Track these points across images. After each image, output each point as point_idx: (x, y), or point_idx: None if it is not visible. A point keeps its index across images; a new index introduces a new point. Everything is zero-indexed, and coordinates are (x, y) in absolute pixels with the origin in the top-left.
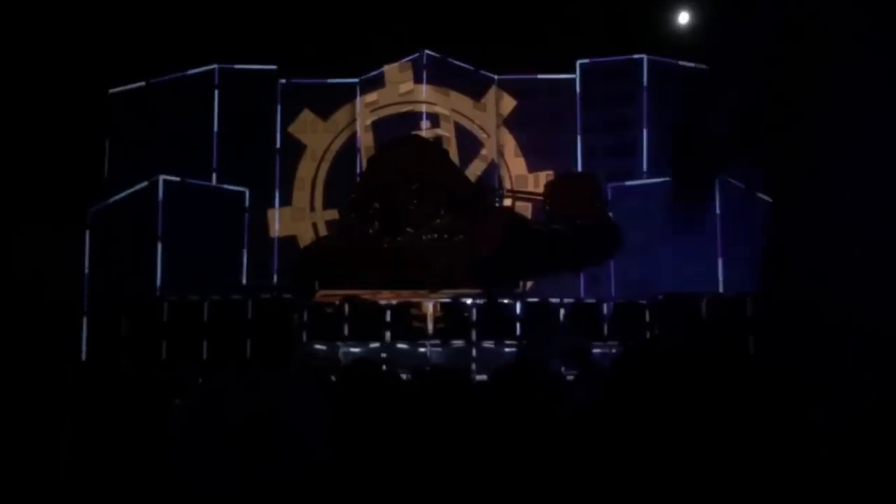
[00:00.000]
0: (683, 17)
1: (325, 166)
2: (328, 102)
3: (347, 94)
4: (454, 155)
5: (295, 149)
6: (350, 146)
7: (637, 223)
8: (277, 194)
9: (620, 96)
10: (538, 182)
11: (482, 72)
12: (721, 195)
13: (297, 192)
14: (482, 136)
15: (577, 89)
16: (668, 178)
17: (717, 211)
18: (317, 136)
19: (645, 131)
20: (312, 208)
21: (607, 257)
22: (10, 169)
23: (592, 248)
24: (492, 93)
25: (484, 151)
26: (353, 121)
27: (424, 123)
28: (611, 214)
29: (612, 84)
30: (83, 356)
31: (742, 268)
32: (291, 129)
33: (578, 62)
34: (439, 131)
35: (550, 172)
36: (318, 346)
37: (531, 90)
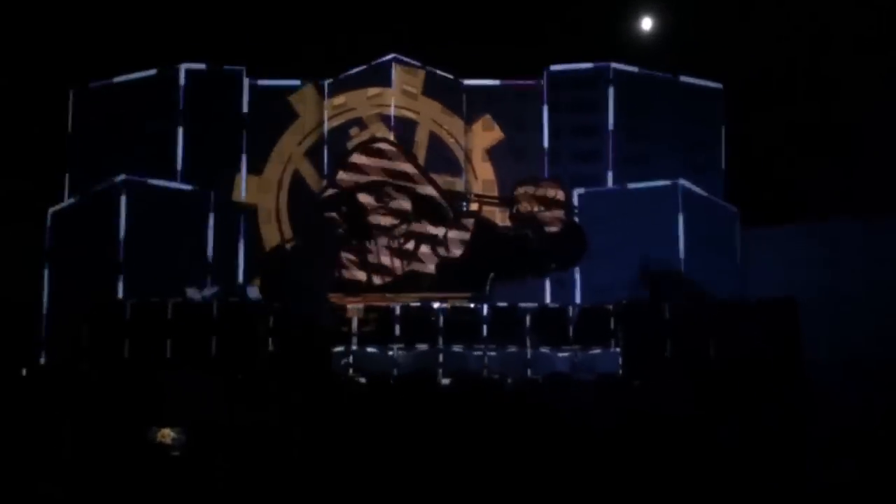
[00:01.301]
0: (647, 24)
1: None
2: (296, 103)
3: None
4: (422, 159)
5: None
6: (318, 148)
7: (602, 229)
8: (244, 196)
9: (587, 103)
10: (505, 187)
11: (451, 76)
12: (684, 202)
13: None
14: (450, 140)
15: (545, 95)
16: (632, 185)
17: (681, 217)
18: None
19: (611, 138)
20: (277, 209)
21: (573, 262)
22: None
23: (558, 252)
24: (460, 97)
25: (452, 155)
26: (321, 123)
27: (392, 127)
28: (576, 220)
29: (578, 91)
30: (42, 360)
31: (705, 274)
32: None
33: (546, 69)
34: (407, 138)
35: (517, 177)
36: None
37: (499, 95)
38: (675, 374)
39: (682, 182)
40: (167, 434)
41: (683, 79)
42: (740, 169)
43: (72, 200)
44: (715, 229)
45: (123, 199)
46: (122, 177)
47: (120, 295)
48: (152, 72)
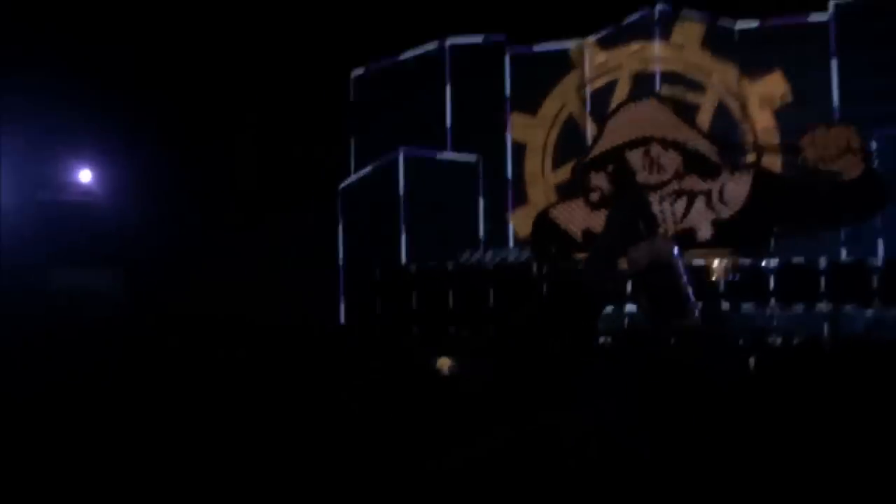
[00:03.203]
0: None
1: (553, 133)
2: (556, 67)
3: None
4: (692, 111)
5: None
6: (580, 110)
7: None
8: (510, 163)
9: (883, 34)
10: (787, 135)
11: (721, 20)
12: None
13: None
14: (722, 91)
15: (832, 31)
16: None
17: None
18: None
19: None
20: (543, 174)
21: (871, 213)
22: (268, 154)
23: (854, 203)
24: (732, 41)
25: (726, 105)
26: (583, 84)
27: (658, 81)
28: (874, 166)
29: (872, 21)
30: (341, 320)
31: None
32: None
33: (832, 0)
34: (675, 91)
35: (800, 123)
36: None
37: (777, 36)
38: None
39: None
40: (445, 363)
41: None
42: None
43: (357, 176)
44: None
45: (402, 171)
46: (400, 151)
47: (403, 259)
48: (421, 48)
